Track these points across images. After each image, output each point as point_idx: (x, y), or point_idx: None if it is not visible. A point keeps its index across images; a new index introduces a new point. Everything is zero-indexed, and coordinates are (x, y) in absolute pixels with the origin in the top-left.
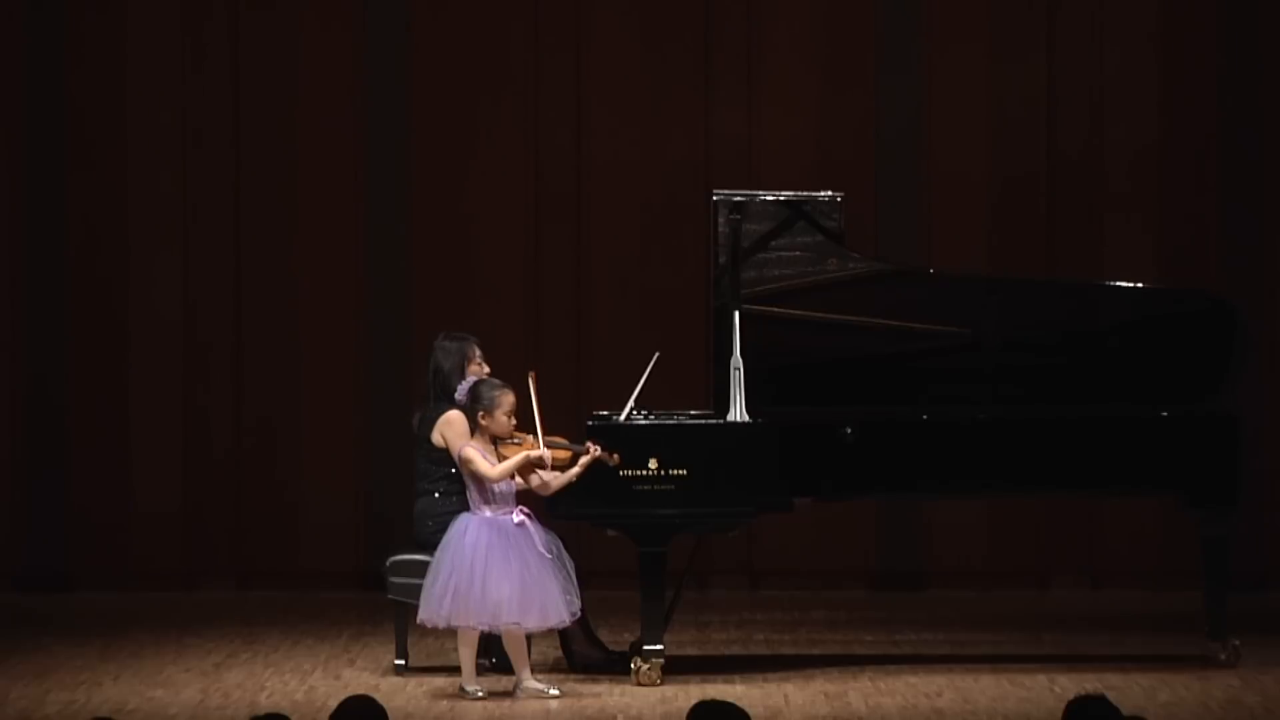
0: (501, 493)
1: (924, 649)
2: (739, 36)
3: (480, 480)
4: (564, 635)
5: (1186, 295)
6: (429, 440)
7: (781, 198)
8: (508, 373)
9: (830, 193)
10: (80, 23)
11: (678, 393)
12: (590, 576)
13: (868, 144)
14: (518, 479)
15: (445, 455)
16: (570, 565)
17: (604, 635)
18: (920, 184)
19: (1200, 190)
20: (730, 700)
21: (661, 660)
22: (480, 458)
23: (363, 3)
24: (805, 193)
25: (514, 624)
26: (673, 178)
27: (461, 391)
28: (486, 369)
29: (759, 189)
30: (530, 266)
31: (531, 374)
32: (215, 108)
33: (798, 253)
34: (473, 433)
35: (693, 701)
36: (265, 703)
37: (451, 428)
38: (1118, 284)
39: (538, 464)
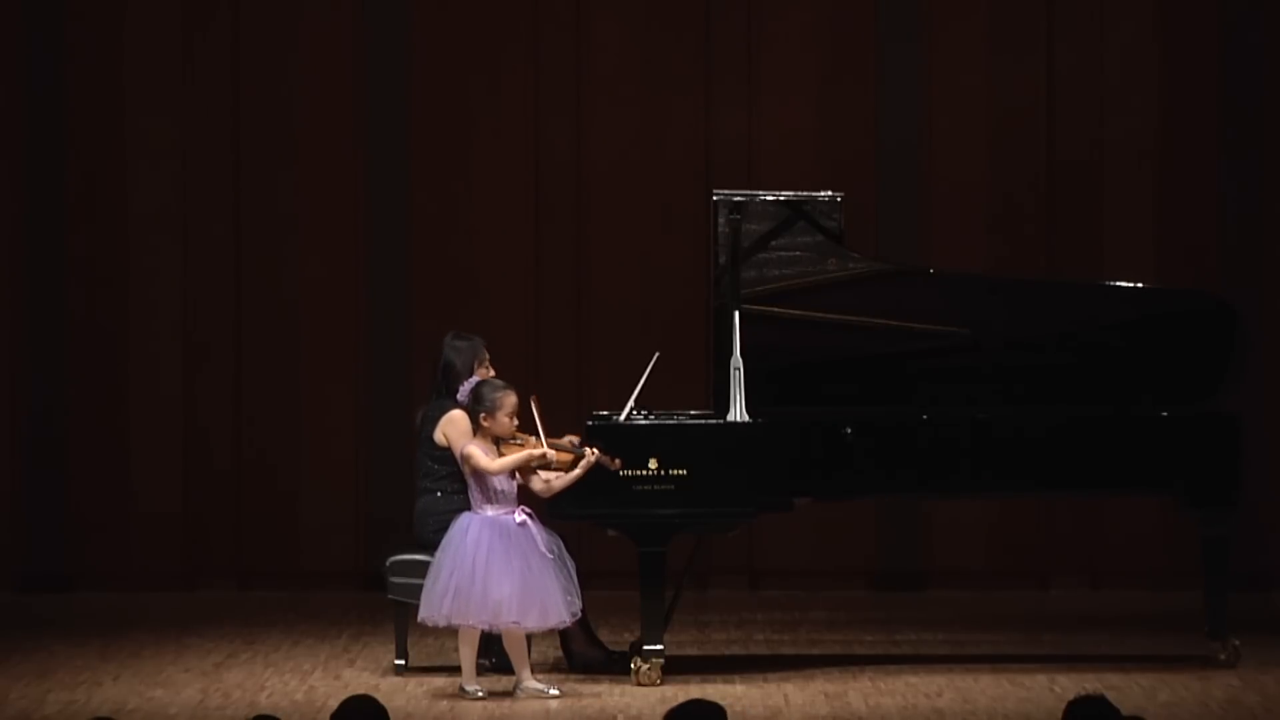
0: (503, 492)
1: (924, 649)
2: (739, 36)
3: (482, 477)
4: (564, 635)
5: (1186, 295)
6: (431, 438)
7: (781, 198)
8: (508, 374)
9: (830, 193)
10: (79, 22)
11: (678, 393)
12: (590, 576)
13: (868, 144)
14: (518, 476)
15: (447, 454)
16: (571, 565)
17: (604, 635)
18: (920, 184)
19: (1200, 190)
20: (730, 700)
21: (661, 660)
22: (481, 454)
23: (363, 1)
24: (805, 193)
25: (514, 623)
26: (673, 178)
27: (463, 393)
28: (491, 373)
29: (759, 189)
30: (530, 266)
31: (534, 397)
32: (215, 107)
33: (798, 253)
34: (474, 433)
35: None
36: (265, 703)
37: (454, 426)
38: (1118, 284)
39: (541, 463)
